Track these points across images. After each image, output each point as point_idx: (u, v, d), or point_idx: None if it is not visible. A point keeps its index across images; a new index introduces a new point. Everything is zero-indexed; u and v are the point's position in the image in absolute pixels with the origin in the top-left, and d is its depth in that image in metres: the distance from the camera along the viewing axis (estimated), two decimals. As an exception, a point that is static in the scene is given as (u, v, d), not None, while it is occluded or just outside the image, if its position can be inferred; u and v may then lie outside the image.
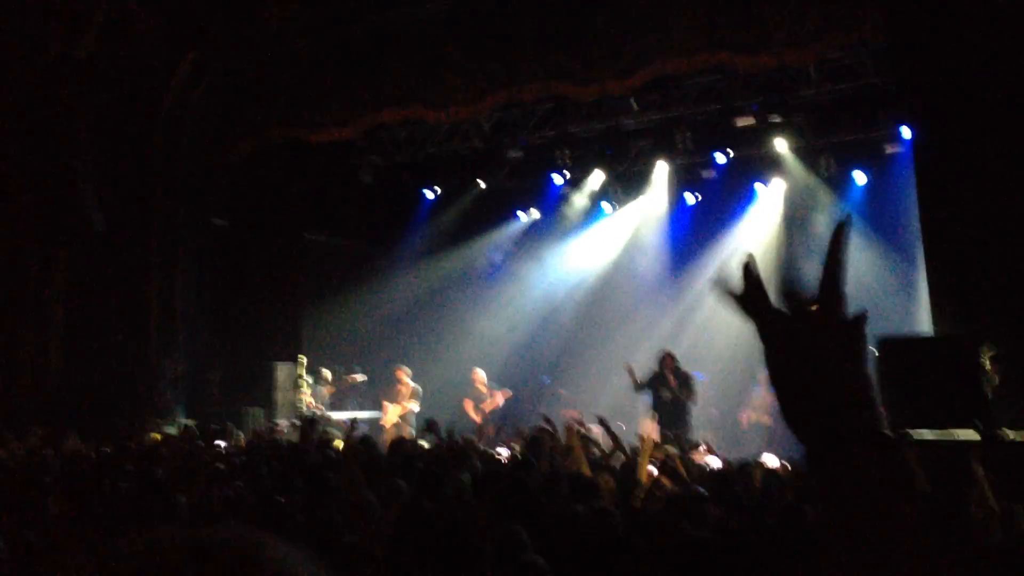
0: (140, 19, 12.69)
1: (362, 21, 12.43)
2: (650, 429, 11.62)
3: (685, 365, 12.52)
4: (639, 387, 11.64)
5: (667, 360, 11.56)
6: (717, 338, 14.27)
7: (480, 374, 14.48)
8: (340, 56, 12.92)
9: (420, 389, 14.27)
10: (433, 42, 12.28)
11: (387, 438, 11.62)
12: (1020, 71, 8.45)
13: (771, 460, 8.37)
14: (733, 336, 13.77)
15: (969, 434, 7.27)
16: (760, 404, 13.89)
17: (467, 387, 14.72)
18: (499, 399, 14.18)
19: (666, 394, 11.34)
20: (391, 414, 14.09)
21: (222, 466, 7.42)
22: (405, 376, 14.27)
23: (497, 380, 14.74)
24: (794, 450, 5.68)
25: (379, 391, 15.20)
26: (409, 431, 13.21)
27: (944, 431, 7.44)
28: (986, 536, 4.04)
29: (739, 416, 13.72)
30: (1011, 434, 7.44)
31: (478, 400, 14.25)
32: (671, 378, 11.40)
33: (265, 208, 14.38)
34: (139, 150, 13.18)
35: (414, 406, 14.09)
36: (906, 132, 11.66)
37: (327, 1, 12.47)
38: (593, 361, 15.87)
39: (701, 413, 13.84)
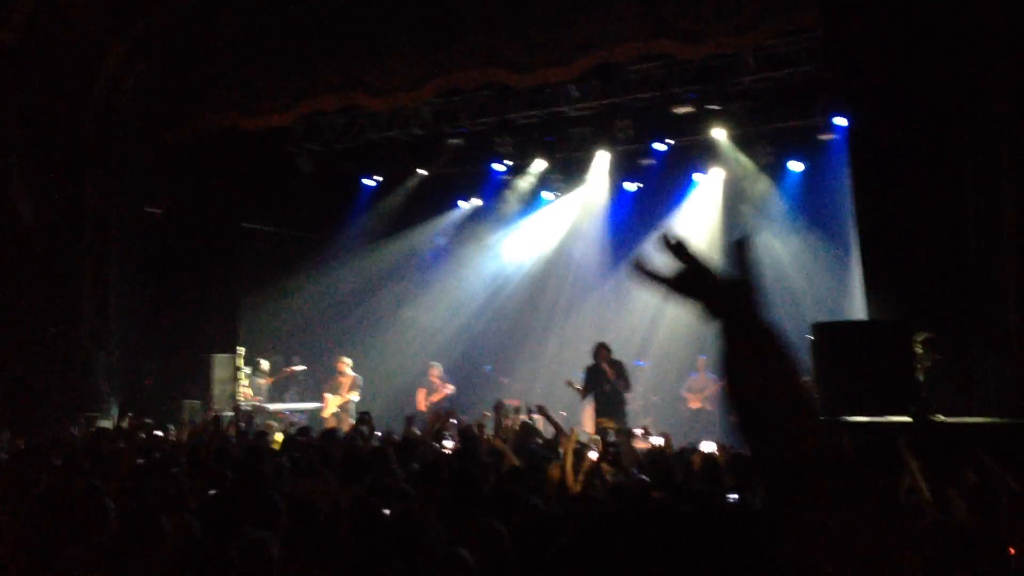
0: (70, 3, 12.30)
1: (300, 3, 12.22)
2: (586, 420, 11.68)
3: (626, 353, 12.60)
4: (585, 392, 11.60)
5: (601, 352, 11.55)
6: (657, 325, 14.43)
7: (437, 368, 14.47)
8: (277, 41, 12.69)
9: (361, 379, 14.19)
10: (373, 27, 12.13)
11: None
12: (952, 60, 8.63)
13: (708, 446, 8.53)
14: (673, 323, 13.94)
15: (902, 419, 7.43)
16: (697, 389, 14.11)
17: (412, 377, 14.76)
18: (447, 391, 14.22)
19: (605, 386, 11.34)
20: (331, 405, 13.99)
21: (142, 461, 7.27)
22: (346, 367, 14.17)
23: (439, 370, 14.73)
24: (731, 435, 5.72)
25: (319, 382, 15.06)
26: (349, 422, 13.13)
27: (877, 417, 7.59)
28: (915, 523, 4.10)
29: (689, 402, 14.07)
30: (943, 418, 7.62)
31: (429, 391, 14.26)
32: (607, 368, 11.40)
33: (201, 197, 14.08)
34: (70, 139, 12.81)
35: (354, 396, 14.01)
36: (841, 120, 11.83)
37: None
38: (535, 349, 15.91)
39: (641, 399, 13.99)
